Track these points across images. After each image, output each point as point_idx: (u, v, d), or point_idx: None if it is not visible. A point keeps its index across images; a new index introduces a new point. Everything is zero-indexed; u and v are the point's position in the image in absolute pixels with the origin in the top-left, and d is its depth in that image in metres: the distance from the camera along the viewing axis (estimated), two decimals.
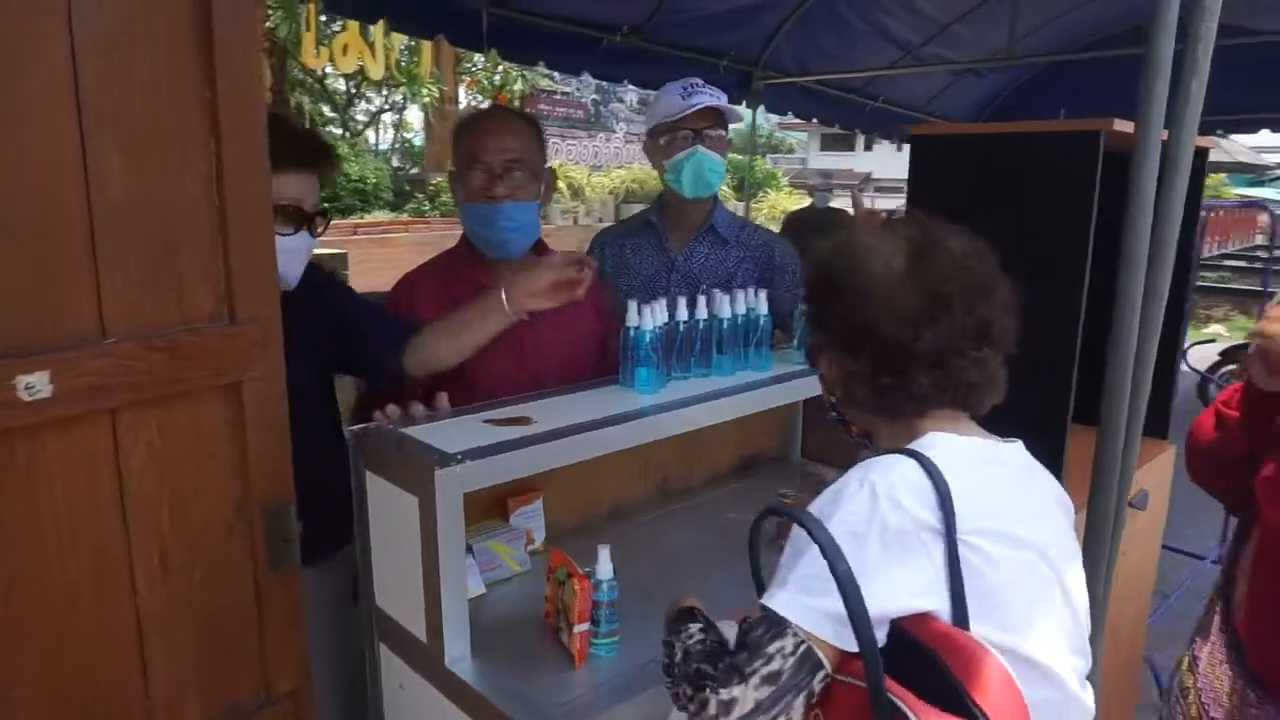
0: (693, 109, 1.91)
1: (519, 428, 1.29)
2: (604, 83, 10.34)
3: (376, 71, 9.61)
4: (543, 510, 1.55)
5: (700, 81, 1.99)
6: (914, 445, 0.95)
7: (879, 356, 0.98)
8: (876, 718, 0.79)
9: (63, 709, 1.04)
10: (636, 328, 1.48)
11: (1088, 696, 0.95)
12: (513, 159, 1.66)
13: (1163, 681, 3.01)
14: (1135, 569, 2.21)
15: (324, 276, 1.64)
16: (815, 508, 0.91)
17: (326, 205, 1.55)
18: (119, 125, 1.01)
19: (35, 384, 0.95)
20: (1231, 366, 6.17)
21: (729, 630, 0.99)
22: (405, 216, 11.71)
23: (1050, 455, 1.81)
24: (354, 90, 13.27)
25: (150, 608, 1.12)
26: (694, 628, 0.97)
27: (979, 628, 0.85)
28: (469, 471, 1.15)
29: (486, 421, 1.33)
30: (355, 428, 1.32)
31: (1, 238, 0.92)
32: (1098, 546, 1.52)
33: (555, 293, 1.51)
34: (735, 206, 6.21)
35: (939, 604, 0.85)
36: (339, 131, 13.84)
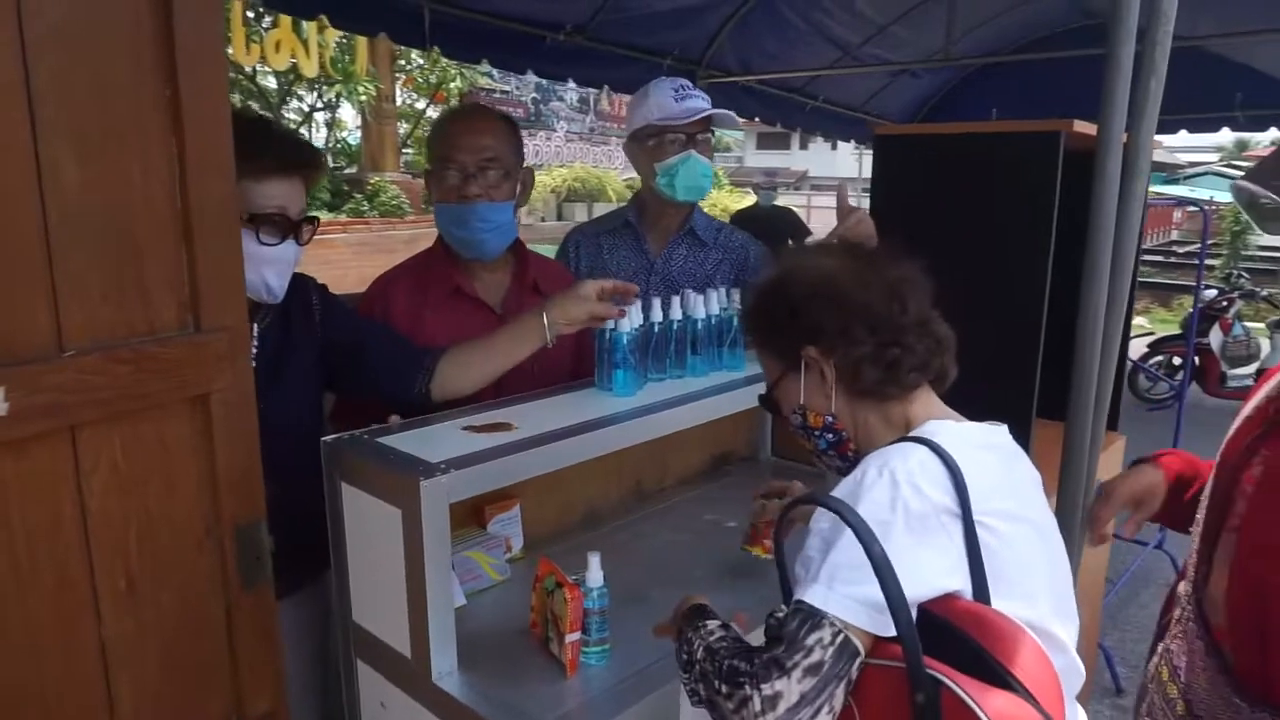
0: (694, 116, 1.90)
1: (501, 434, 1.26)
2: (544, 81, 10.26)
3: (310, 69, 9.38)
4: (520, 517, 1.51)
5: (689, 83, 1.98)
6: (918, 433, 0.99)
7: (880, 332, 1.02)
8: (917, 695, 0.79)
9: None
10: (613, 330, 1.46)
11: (1080, 661, 1.00)
12: (488, 158, 1.63)
13: (1115, 665, 3.11)
14: (1091, 557, 2.27)
15: (317, 289, 1.57)
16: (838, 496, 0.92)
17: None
18: (74, 126, 0.95)
19: None
20: (1159, 357, 6.45)
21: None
22: (344, 217, 11.43)
23: None
24: (286, 88, 12.89)
25: (116, 634, 1.05)
26: (712, 624, 0.98)
27: (999, 603, 0.89)
28: (454, 481, 1.11)
29: (466, 429, 1.29)
30: (329, 438, 1.27)
31: None
32: (1068, 536, 1.56)
33: (591, 320, 1.47)
34: None
35: (962, 583, 0.89)
36: None
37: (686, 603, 1.07)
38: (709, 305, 1.62)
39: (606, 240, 2.07)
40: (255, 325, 1.45)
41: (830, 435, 1.08)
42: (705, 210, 2.16)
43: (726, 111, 1.98)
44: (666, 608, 1.34)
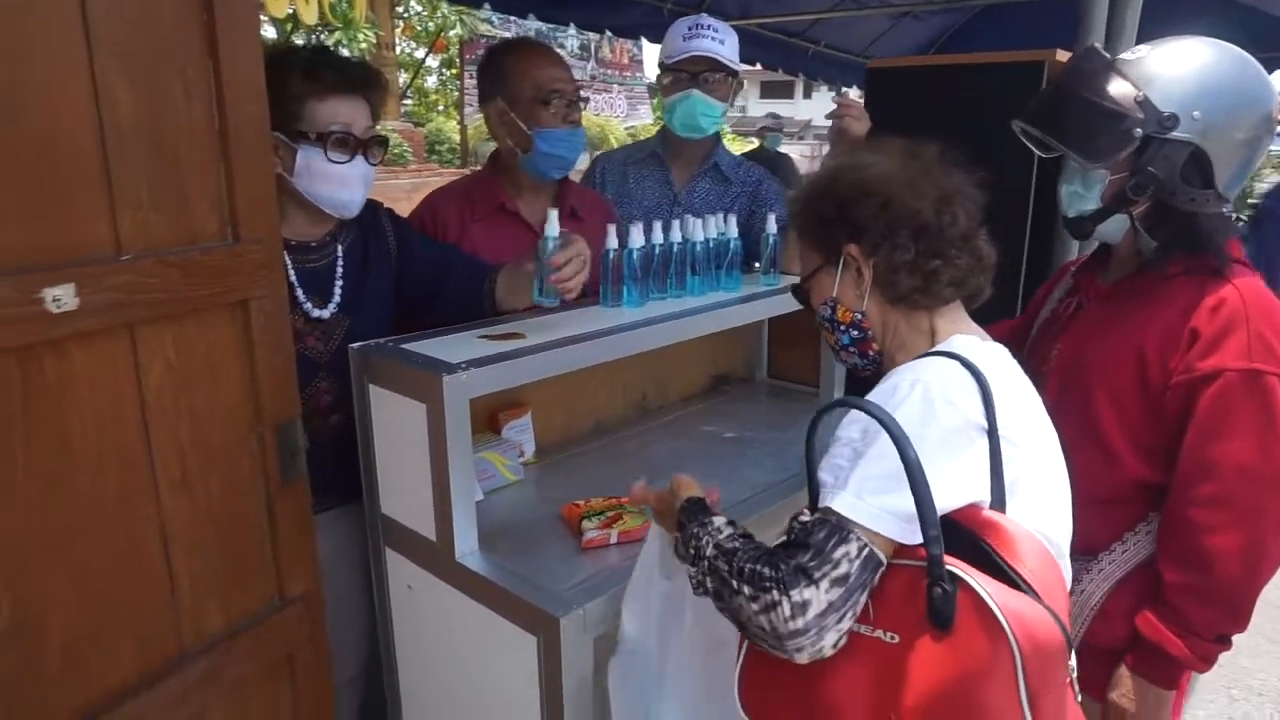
0: (685, 55, 2.00)
1: (514, 341, 1.37)
2: (544, 28, 10.15)
3: (310, 16, 9.28)
4: (532, 425, 1.63)
5: (707, 22, 2.05)
6: (945, 347, 1.02)
7: (924, 241, 1.03)
8: (935, 589, 0.85)
9: (97, 612, 1.09)
10: (617, 250, 1.56)
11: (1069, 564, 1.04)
12: (578, 88, 1.80)
13: None
14: None
15: (389, 216, 1.68)
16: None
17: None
18: (125, 50, 1.04)
19: (62, 297, 0.99)
20: None
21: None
22: None
23: None
24: (285, 37, 12.80)
25: (173, 517, 1.17)
26: (718, 520, 1.01)
27: (1014, 511, 0.94)
28: (473, 379, 1.23)
29: (482, 337, 1.40)
30: (356, 345, 1.38)
31: (24, 159, 0.95)
32: None
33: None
34: None
35: (984, 495, 0.93)
36: None
37: (681, 489, 1.11)
38: (708, 229, 1.71)
39: (633, 170, 2.16)
40: (339, 246, 1.56)
41: (855, 332, 1.11)
42: None
43: (719, 54, 2.02)
44: None
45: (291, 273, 1.48)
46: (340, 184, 1.44)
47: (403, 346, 1.35)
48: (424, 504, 1.29)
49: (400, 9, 12.71)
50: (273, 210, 1.25)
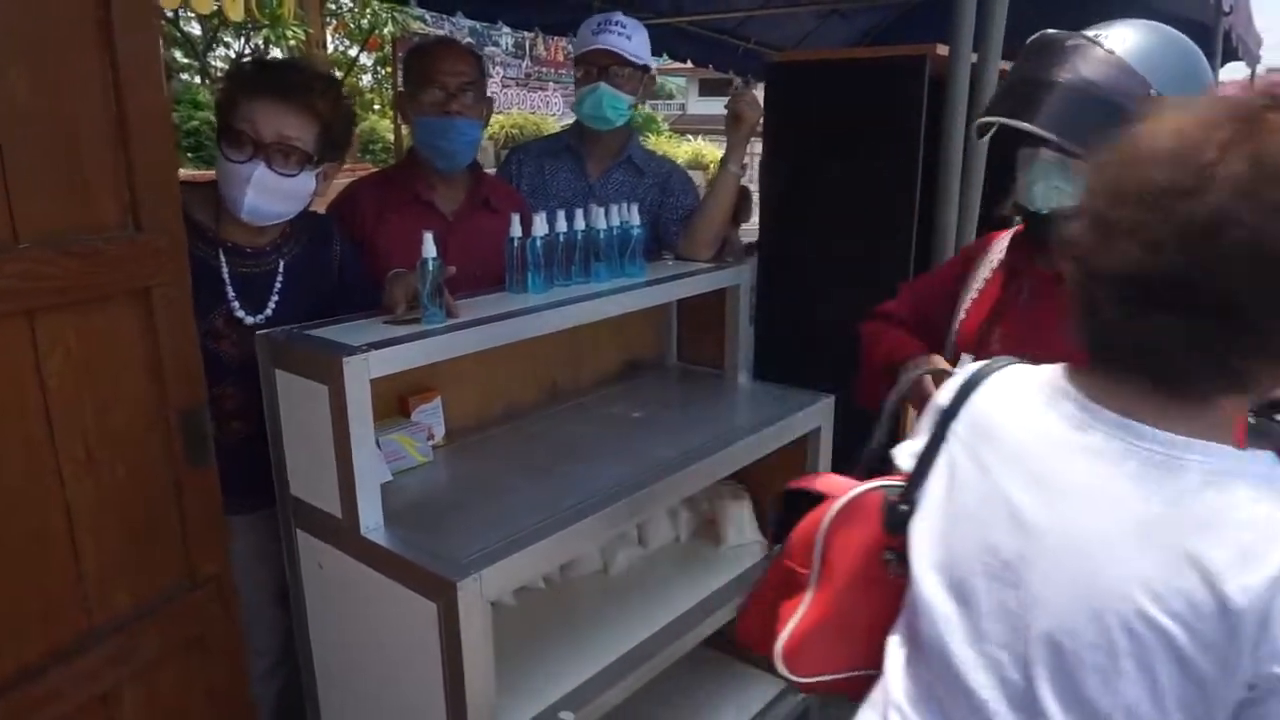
0: (591, 48, 2.08)
1: (414, 326, 1.42)
2: (479, 26, 10.12)
3: (236, 13, 9.09)
4: (442, 409, 1.68)
5: (616, 18, 2.12)
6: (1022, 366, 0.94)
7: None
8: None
9: (2, 590, 1.12)
10: (521, 237, 1.63)
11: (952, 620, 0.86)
12: (466, 82, 1.85)
13: None
14: None
15: (342, 240, 1.73)
16: None
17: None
18: (19, 37, 1.07)
19: None
20: None
21: None
22: None
23: None
24: (212, 34, 12.54)
25: (78, 500, 1.20)
26: None
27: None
28: (374, 360, 1.28)
29: (386, 323, 1.45)
30: (262, 333, 1.42)
31: None
32: None
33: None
34: None
35: (909, 466, 0.97)
36: (197, 79, 13.09)
37: None
38: (610, 218, 1.78)
39: (549, 162, 2.23)
40: (280, 260, 1.60)
41: None
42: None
43: (622, 50, 2.07)
44: (569, 480, 1.54)
45: (225, 273, 1.53)
46: (233, 183, 1.46)
47: (307, 332, 1.40)
48: (330, 482, 1.34)
49: (332, 5, 12.52)
50: (175, 200, 1.28)
